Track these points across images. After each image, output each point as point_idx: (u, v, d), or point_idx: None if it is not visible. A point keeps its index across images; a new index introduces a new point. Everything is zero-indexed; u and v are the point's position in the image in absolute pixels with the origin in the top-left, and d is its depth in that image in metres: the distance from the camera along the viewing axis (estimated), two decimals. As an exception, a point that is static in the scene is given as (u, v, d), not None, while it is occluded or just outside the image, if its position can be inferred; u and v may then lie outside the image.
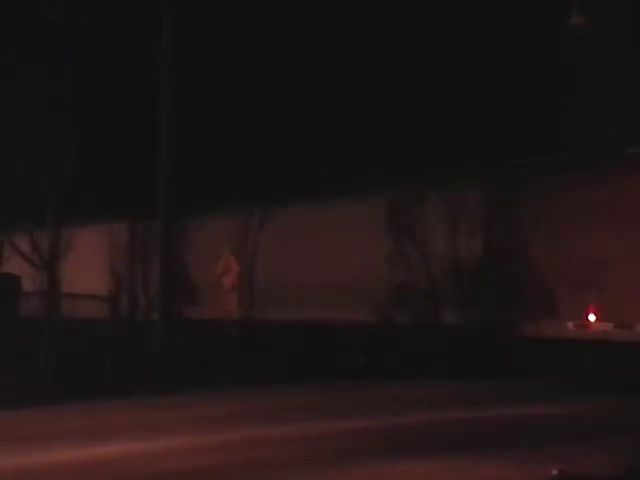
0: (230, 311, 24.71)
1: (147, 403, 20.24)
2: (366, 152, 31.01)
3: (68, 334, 24.96)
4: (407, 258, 26.31)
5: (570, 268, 22.56)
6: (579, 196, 22.79)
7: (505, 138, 27.69)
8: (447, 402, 18.94)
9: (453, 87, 29.92)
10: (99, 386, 22.41)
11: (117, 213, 33.01)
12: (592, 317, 22.22)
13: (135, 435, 15.57)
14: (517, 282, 24.02)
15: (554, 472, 11.45)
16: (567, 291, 22.59)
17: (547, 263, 23.19)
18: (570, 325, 22.62)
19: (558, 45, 28.51)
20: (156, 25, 28.03)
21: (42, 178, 24.68)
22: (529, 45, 28.96)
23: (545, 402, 18.74)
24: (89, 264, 33.64)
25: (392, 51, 31.15)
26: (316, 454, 13.78)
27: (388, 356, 25.27)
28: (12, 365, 23.13)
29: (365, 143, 31.34)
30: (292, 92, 32.50)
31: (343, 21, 31.81)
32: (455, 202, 25.26)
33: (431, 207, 25.75)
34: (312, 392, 21.09)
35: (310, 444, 14.55)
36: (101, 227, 34.34)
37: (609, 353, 21.79)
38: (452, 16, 29.87)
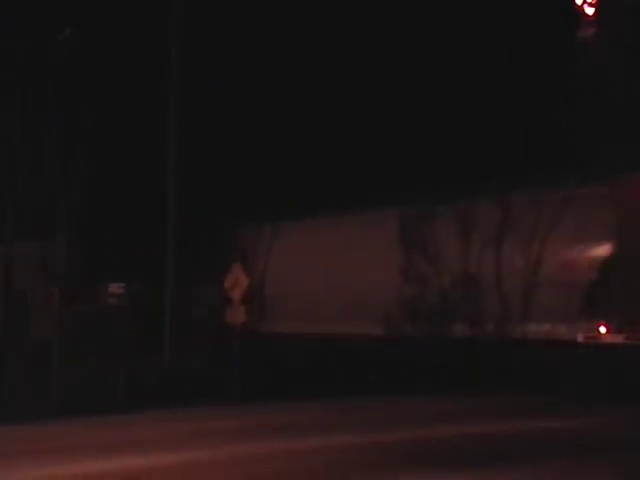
0: (239, 324, 24.76)
1: (161, 416, 20.35)
2: (379, 168, 31.24)
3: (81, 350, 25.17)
4: (419, 272, 26.30)
5: (582, 279, 22.60)
6: (591, 209, 22.86)
7: (519, 156, 27.92)
8: (455, 417, 18.95)
9: (468, 106, 30.28)
10: (111, 401, 22.54)
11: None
12: (603, 329, 22.23)
13: (151, 449, 15.63)
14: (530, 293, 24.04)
15: None
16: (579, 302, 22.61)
17: (559, 274, 23.22)
18: (580, 337, 22.60)
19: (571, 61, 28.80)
20: (166, 61, 28.44)
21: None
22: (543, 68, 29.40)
23: (548, 416, 18.72)
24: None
25: (406, 78, 31.64)
26: (328, 468, 13.78)
27: (398, 370, 25.28)
28: (24, 380, 23.31)
29: (378, 159, 31.58)
30: (307, 109, 32.78)
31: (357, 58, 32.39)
32: (468, 216, 25.29)
33: (443, 221, 25.78)
34: (320, 407, 21.14)
35: (321, 458, 14.53)
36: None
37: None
38: (472, 50, 30.50)
